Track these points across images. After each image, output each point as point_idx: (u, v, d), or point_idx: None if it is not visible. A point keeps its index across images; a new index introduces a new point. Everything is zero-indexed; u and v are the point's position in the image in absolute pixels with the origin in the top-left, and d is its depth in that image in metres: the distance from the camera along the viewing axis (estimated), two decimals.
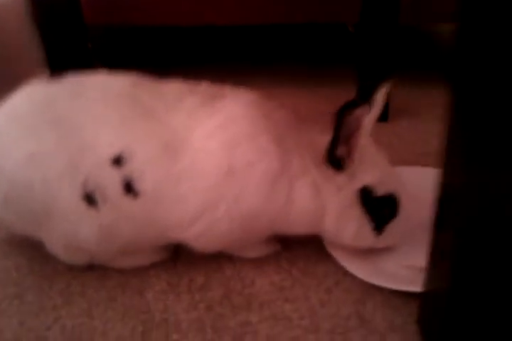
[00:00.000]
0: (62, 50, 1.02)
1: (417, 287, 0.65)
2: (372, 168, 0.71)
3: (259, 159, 0.67)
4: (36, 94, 0.71)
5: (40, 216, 0.67)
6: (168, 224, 0.68)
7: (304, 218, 0.70)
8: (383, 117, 1.16)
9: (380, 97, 0.73)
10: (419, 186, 0.80)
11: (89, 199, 0.65)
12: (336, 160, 0.68)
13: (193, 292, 0.70)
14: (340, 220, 0.70)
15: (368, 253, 0.73)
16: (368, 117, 0.70)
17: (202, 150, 0.67)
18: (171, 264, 0.74)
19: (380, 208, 0.70)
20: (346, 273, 0.72)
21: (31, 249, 0.75)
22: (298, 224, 0.71)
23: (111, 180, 0.65)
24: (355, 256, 0.73)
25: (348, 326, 0.64)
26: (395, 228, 0.71)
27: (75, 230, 0.67)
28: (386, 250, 0.74)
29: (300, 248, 0.77)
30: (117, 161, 0.65)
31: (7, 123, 0.69)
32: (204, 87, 0.74)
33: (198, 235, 0.69)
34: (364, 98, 1.16)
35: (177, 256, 0.75)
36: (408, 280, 0.69)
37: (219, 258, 0.74)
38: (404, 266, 0.72)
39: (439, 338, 0.60)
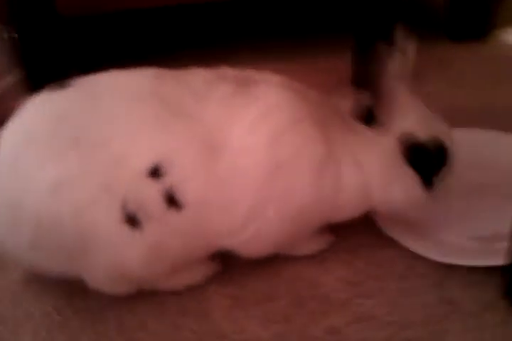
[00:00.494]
0: (37, 47, 0.91)
1: (492, 260, 0.62)
2: (408, 112, 0.64)
3: (304, 149, 0.61)
4: (47, 107, 0.61)
5: (76, 250, 0.59)
6: (217, 233, 0.61)
7: (354, 199, 0.65)
8: None
9: (412, 52, 0.64)
10: (475, 151, 0.77)
11: (132, 220, 0.57)
12: (365, 113, 0.62)
13: (261, 303, 0.64)
14: (386, 182, 0.64)
15: (429, 228, 0.69)
16: (399, 60, 0.62)
17: (244, 147, 0.60)
18: (226, 276, 0.68)
19: (425, 156, 0.63)
20: (414, 256, 0.67)
21: (67, 288, 0.66)
22: (350, 208, 0.66)
23: (152, 195, 0.57)
24: (416, 235, 0.69)
25: (440, 313, 0.60)
26: (447, 181, 0.65)
27: (119, 257, 0.59)
28: (447, 223, 0.70)
29: (353, 235, 0.72)
30: (155, 172, 0.57)
31: (19, 147, 0.59)
32: (231, 72, 0.66)
33: (250, 239, 0.62)
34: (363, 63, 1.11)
35: (228, 266, 0.69)
36: (480, 253, 0.65)
37: (272, 261, 0.68)
38: (471, 238, 0.69)
39: None
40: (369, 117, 0.63)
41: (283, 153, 0.61)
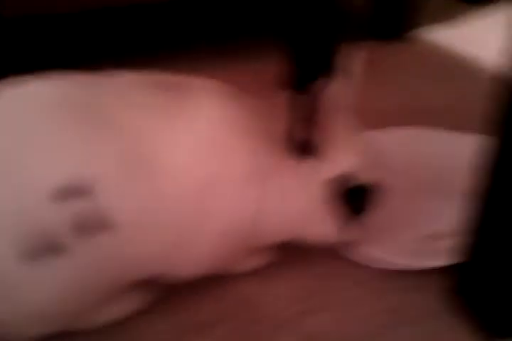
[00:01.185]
0: None
1: (437, 260, 0.62)
2: (347, 152, 0.62)
3: (234, 165, 0.57)
4: None
5: None
6: (148, 256, 0.56)
7: (280, 221, 0.61)
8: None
9: (356, 63, 0.62)
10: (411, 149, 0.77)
11: (40, 253, 0.50)
12: (301, 145, 0.59)
13: (201, 331, 0.59)
14: (314, 216, 0.62)
15: (371, 233, 0.67)
16: (337, 90, 0.59)
17: (174, 162, 0.55)
18: (164, 303, 0.62)
19: (357, 199, 0.62)
20: (356, 265, 0.65)
21: None
22: (276, 230, 0.62)
23: (67, 219, 0.50)
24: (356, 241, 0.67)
25: (388, 323, 0.59)
26: (374, 217, 0.64)
27: (26, 303, 0.52)
28: (389, 225, 0.69)
29: (294, 248, 0.68)
30: (77, 192, 0.51)
31: None
32: (162, 77, 0.60)
33: (182, 262, 0.58)
34: (301, 67, 1.10)
35: (166, 291, 0.64)
36: (424, 255, 0.64)
37: (212, 282, 0.64)
38: (414, 240, 0.68)
39: (489, 307, 0.57)
40: (304, 148, 0.60)
41: (213, 171, 0.56)
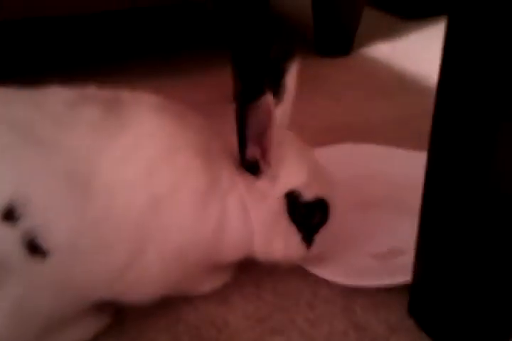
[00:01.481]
0: None
1: (393, 278, 0.63)
2: (296, 168, 0.61)
3: (183, 181, 0.55)
4: None
5: None
6: (92, 282, 0.53)
7: (237, 240, 0.60)
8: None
9: (291, 81, 0.62)
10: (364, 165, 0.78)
11: None
12: (250, 163, 0.58)
13: None
14: (267, 234, 0.61)
15: (331, 250, 0.67)
16: (281, 107, 0.60)
17: (116, 182, 0.52)
18: (121, 327, 0.60)
19: (308, 216, 0.62)
20: (319, 282, 0.65)
21: None
22: (232, 248, 0.61)
23: (8, 242, 0.47)
24: (320, 259, 0.67)
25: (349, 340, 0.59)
26: (327, 234, 0.63)
27: None
28: (346, 241, 0.69)
29: (256, 266, 0.67)
30: (8, 215, 0.48)
31: None
32: (98, 92, 0.58)
33: (130, 287, 0.55)
34: (243, 80, 1.10)
35: (123, 314, 0.61)
36: (381, 272, 0.65)
37: (172, 304, 0.62)
38: (371, 256, 0.68)
39: (439, 327, 0.58)
40: (254, 167, 0.59)
41: (160, 186, 0.54)
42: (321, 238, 0.63)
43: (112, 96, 0.57)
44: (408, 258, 0.60)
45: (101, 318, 0.60)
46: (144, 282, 0.55)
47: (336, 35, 1.31)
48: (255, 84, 0.55)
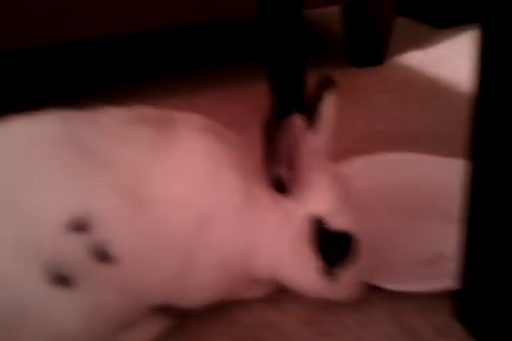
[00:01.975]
0: None
1: (440, 284, 0.65)
2: (325, 194, 0.60)
3: (223, 200, 0.58)
4: None
5: (7, 327, 0.53)
6: (151, 287, 0.58)
7: (269, 259, 0.61)
8: (301, 109, 1.13)
9: (327, 109, 0.62)
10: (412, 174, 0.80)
11: (61, 280, 0.52)
12: (275, 181, 0.59)
13: None
14: (287, 256, 0.60)
15: (379, 256, 0.69)
16: (316, 133, 0.61)
17: (165, 197, 0.56)
18: (183, 328, 0.64)
19: (330, 245, 0.60)
20: (368, 286, 0.67)
21: None
22: (265, 266, 0.62)
23: (80, 251, 0.53)
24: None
25: None
26: (353, 275, 0.61)
27: (54, 322, 0.53)
28: (394, 248, 0.72)
29: None
30: (78, 226, 0.53)
31: None
32: (151, 112, 0.62)
33: (183, 293, 0.60)
34: (281, 94, 1.14)
35: (185, 316, 0.65)
36: (428, 278, 0.68)
37: (230, 307, 0.66)
38: (417, 263, 0.71)
39: (486, 330, 0.60)
40: (280, 185, 0.59)
41: (203, 206, 0.57)
42: (348, 277, 0.61)
43: (164, 116, 0.62)
44: (453, 264, 0.63)
45: (164, 321, 0.64)
46: (193, 289, 0.60)
47: (368, 46, 1.34)
48: (285, 104, 0.58)
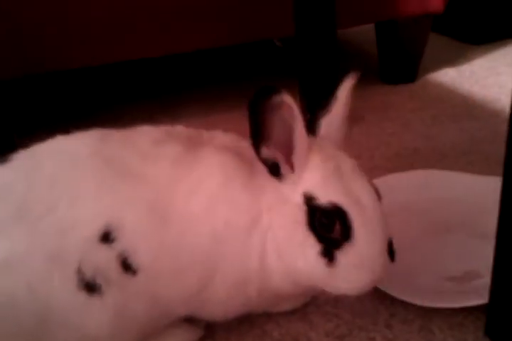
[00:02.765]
0: None
1: (470, 300, 0.65)
2: (314, 170, 0.57)
3: (234, 216, 0.59)
4: None
5: (35, 329, 0.56)
6: (172, 299, 0.59)
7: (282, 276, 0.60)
8: None
9: (343, 92, 0.62)
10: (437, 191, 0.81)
11: (90, 286, 0.55)
12: (268, 164, 0.57)
13: None
14: (288, 250, 0.58)
15: (408, 273, 0.70)
16: (327, 116, 0.62)
17: (187, 212, 0.58)
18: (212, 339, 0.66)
19: (327, 224, 0.56)
20: (396, 303, 0.68)
21: None
22: (282, 283, 0.61)
23: (106, 260, 0.56)
24: (397, 281, 0.69)
25: None
26: (353, 261, 0.57)
27: (81, 327, 0.56)
28: (423, 265, 0.72)
29: None
30: (106, 237, 0.55)
31: None
32: (180, 131, 0.65)
33: (204, 306, 0.61)
34: (312, 111, 1.15)
35: (212, 327, 0.67)
36: (458, 294, 0.67)
37: (257, 319, 0.67)
38: (447, 279, 0.71)
39: None
40: (274, 168, 0.58)
41: (217, 222, 0.59)
42: (348, 263, 0.57)
43: (193, 134, 0.64)
44: (485, 281, 0.62)
45: (193, 331, 0.66)
46: (214, 303, 0.61)
47: (401, 63, 1.35)
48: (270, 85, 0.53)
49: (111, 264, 0.55)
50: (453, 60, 1.46)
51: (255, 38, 1.14)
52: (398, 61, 1.34)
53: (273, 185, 0.59)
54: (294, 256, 0.58)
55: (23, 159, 0.60)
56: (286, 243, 0.58)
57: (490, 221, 0.61)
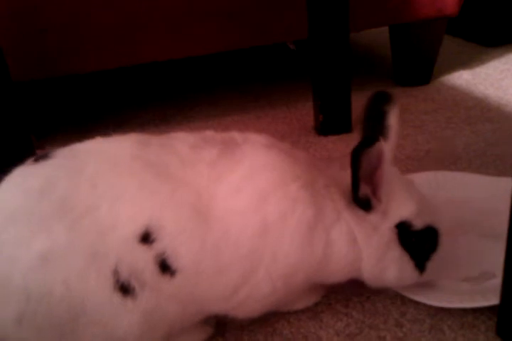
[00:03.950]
0: None
1: (484, 301, 0.64)
2: (404, 201, 0.66)
3: (292, 210, 0.61)
4: (29, 180, 0.60)
5: (66, 324, 0.57)
6: (210, 297, 0.61)
7: (343, 266, 0.65)
8: (347, 128, 1.16)
9: (393, 120, 0.68)
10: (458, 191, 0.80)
11: (125, 288, 0.56)
12: (363, 200, 0.63)
13: None
14: (380, 263, 0.65)
15: None
16: (387, 144, 0.66)
17: (231, 211, 0.60)
18: (222, 338, 0.66)
19: (420, 244, 0.66)
20: (407, 302, 0.69)
21: None
22: (337, 273, 0.66)
23: (144, 261, 0.57)
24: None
25: None
26: (437, 261, 0.67)
27: (111, 327, 0.57)
28: (437, 265, 0.71)
29: (345, 285, 0.72)
30: (146, 238, 0.57)
31: (4, 224, 0.57)
32: (215, 135, 0.67)
33: (242, 303, 0.62)
34: (325, 113, 1.16)
35: (224, 326, 0.68)
36: (472, 294, 0.67)
37: (268, 318, 0.68)
38: (461, 280, 0.70)
39: None
40: (366, 203, 0.64)
41: (268, 217, 0.60)
42: (432, 264, 0.66)
43: (226, 138, 0.67)
44: (498, 282, 0.62)
45: (204, 329, 0.67)
46: (253, 299, 0.62)
47: (415, 66, 1.35)
48: (372, 134, 0.62)
49: (148, 265, 0.57)
50: (467, 62, 1.46)
51: (269, 41, 1.15)
52: (412, 63, 1.34)
53: (350, 210, 0.64)
54: (387, 271, 0.65)
55: (66, 158, 0.62)
56: (375, 257, 0.64)
57: (503, 222, 0.61)
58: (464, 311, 0.66)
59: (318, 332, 0.66)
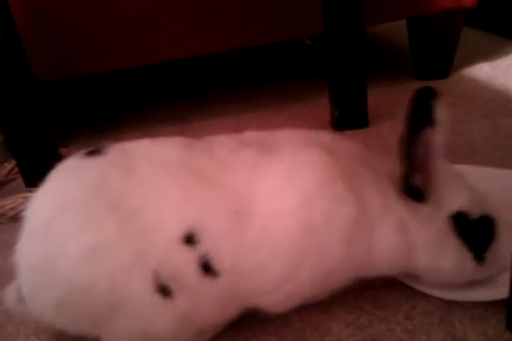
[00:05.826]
0: (16, 112, 0.92)
1: (494, 294, 0.65)
2: (458, 190, 0.65)
3: (337, 210, 0.62)
4: (82, 173, 0.62)
5: (103, 316, 0.59)
6: (248, 296, 0.62)
7: (391, 258, 0.65)
8: (363, 123, 1.16)
9: (442, 114, 0.64)
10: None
11: (164, 289, 0.58)
12: (415, 190, 0.63)
13: None
14: (436, 255, 0.65)
15: None
16: (438, 139, 0.63)
17: (272, 211, 0.61)
18: (233, 332, 0.68)
19: (478, 233, 0.65)
20: (417, 295, 0.69)
21: None
22: (385, 266, 0.66)
23: (186, 263, 0.59)
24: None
25: None
26: (497, 253, 0.66)
27: (147, 325, 0.60)
28: None
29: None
30: (189, 240, 0.59)
31: (54, 211, 0.60)
32: (253, 136, 0.69)
33: (282, 299, 0.64)
34: (341, 108, 1.16)
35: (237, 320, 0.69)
36: (482, 287, 0.67)
37: None
38: None
39: None
40: (418, 193, 0.64)
41: (313, 217, 0.61)
42: (493, 256, 0.65)
43: (264, 138, 0.68)
44: (507, 274, 0.62)
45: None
46: (292, 297, 0.64)
47: (434, 59, 1.34)
48: (418, 120, 0.61)
49: (190, 267, 0.58)
50: (487, 54, 1.44)
51: (285, 37, 1.15)
52: (431, 56, 1.33)
53: (402, 202, 0.64)
54: (445, 263, 0.65)
55: (119, 156, 0.64)
56: (432, 245, 0.64)
57: None
58: (475, 304, 0.67)
59: (328, 324, 0.68)
